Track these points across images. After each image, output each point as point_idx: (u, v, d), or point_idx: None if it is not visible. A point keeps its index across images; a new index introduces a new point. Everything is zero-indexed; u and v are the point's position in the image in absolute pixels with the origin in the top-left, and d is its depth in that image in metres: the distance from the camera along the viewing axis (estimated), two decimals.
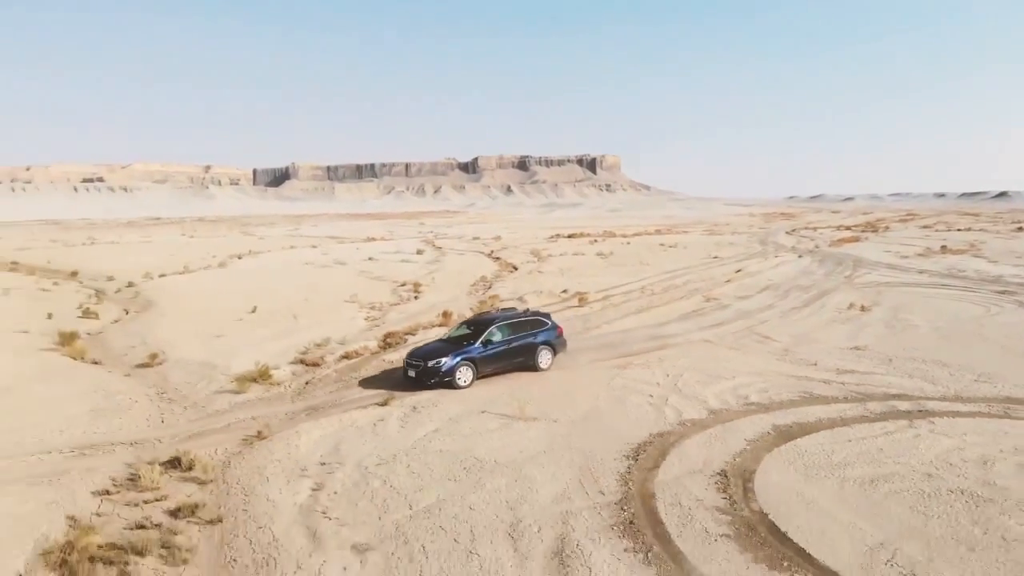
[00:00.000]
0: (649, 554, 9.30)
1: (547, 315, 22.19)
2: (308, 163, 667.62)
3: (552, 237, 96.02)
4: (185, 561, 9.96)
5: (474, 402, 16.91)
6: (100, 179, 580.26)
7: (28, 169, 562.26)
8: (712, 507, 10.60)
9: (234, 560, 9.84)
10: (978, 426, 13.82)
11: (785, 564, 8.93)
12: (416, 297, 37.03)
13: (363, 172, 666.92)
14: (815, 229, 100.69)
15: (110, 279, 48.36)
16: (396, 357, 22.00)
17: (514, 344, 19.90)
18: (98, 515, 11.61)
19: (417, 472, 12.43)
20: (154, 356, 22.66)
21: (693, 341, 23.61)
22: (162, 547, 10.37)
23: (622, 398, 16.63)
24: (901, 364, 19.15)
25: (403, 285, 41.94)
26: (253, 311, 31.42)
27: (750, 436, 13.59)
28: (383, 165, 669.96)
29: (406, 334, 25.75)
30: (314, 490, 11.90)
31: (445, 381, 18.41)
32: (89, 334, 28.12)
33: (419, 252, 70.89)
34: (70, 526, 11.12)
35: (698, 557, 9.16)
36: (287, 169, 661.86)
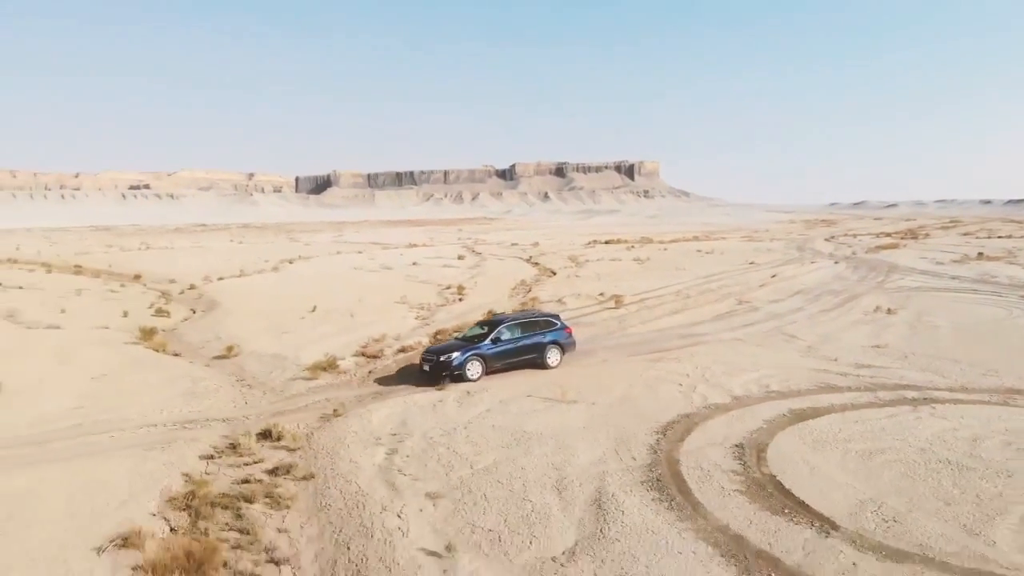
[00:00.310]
0: (672, 503, 11.17)
1: (556, 316, 23.77)
2: (349, 171, 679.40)
3: (589, 243, 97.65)
4: (287, 507, 12.12)
5: (520, 388, 18.90)
6: (147, 186, 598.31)
7: (77, 176, 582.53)
8: (728, 470, 12.41)
9: (328, 505, 11.99)
10: (976, 412, 15.32)
11: (786, 512, 10.71)
12: (461, 299, 39.19)
13: (403, 180, 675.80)
14: (855, 236, 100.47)
15: (172, 282, 51.61)
16: None
17: (523, 342, 21.57)
18: (207, 473, 13.86)
19: (475, 441, 14.47)
20: (230, 349, 25.18)
21: (723, 340, 25.24)
22: (266, 497, 12.57)
23: (654, 386, 18.45)
24: (916, 360, 20.59)
25: (448, 288, 44.18)
26: (313, 310, 33.92)
27: (767, 417, 15.32)
28: (422, 172, 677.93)
29: (454, 331, 27.87)
30: (388, 454, 14.04)
31: (456, 375, 20.11)
32: (164, 330, 30.87)
33: (460, 257, 73.27)
34: (186, 481, 13.39)
35: (713, 505, 11.00)
36: (328, 177, 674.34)
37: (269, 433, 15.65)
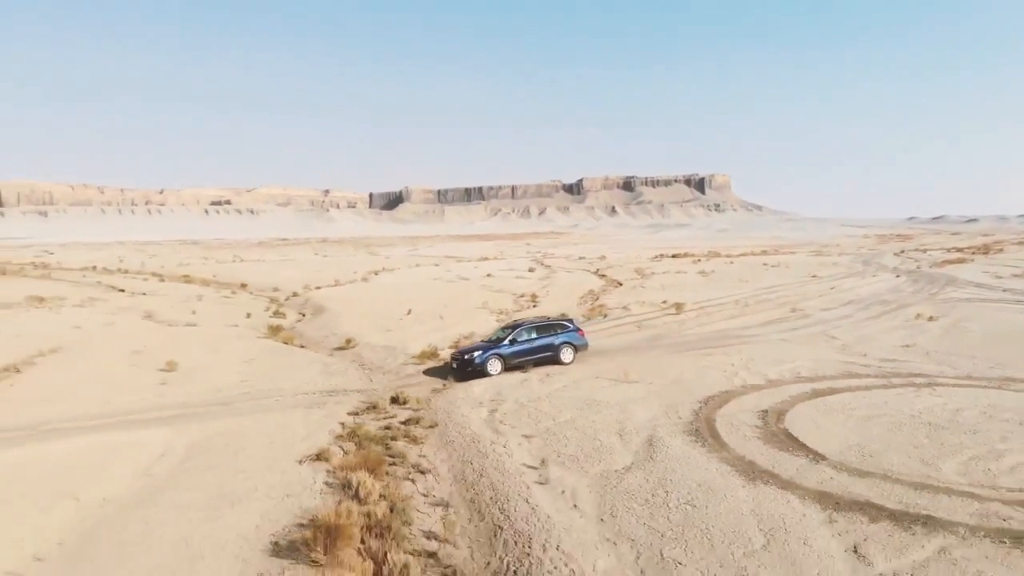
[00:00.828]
0: (704, 443, 15.09)
1: (571, 320, 26.94)
2: (420, 187, 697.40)
3: (656, 257, 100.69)
4: (422, 442, 16.58)
5: (590, 371, 23.02)
6: (228, 202, 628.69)
7: (161, 192, 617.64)
8: (751, 425, 16.22)
9: (452, 441, 16.40)
10: (969, 393, 18.56)
11: (789, 450, 14.47)
12: (534, 305, 43.53)
13: (471, 195, 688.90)
14: (925, 251, 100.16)
15: (275, 290, 57.94)
16: None
17: (537, 343, 24.66)
18: (356, 423, 18.51)
19: (555, 405, 18.70)
20: (348, 341, 30.22)
21: (770, 340, 28.66)
22: (405, 437, 17.07)
23: (703, 372, 22.25)
24: (935, 356, 23.68)
25: (522, 296, 48.62)
26: (408, 313, 38.90)
27: (792, 394, 18.98)
28: (490, 188, 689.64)
29: None
30: (490, 412, 18.41)
31: (479, 370, 23.32)
32: (285, 328, 36.31)
33: (531, 270, 77.81)
34: (343, 426, 18.03)
35: (735, 445, 14.86)
36: (400, 193, 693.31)
37: (397, 399, 20.29)
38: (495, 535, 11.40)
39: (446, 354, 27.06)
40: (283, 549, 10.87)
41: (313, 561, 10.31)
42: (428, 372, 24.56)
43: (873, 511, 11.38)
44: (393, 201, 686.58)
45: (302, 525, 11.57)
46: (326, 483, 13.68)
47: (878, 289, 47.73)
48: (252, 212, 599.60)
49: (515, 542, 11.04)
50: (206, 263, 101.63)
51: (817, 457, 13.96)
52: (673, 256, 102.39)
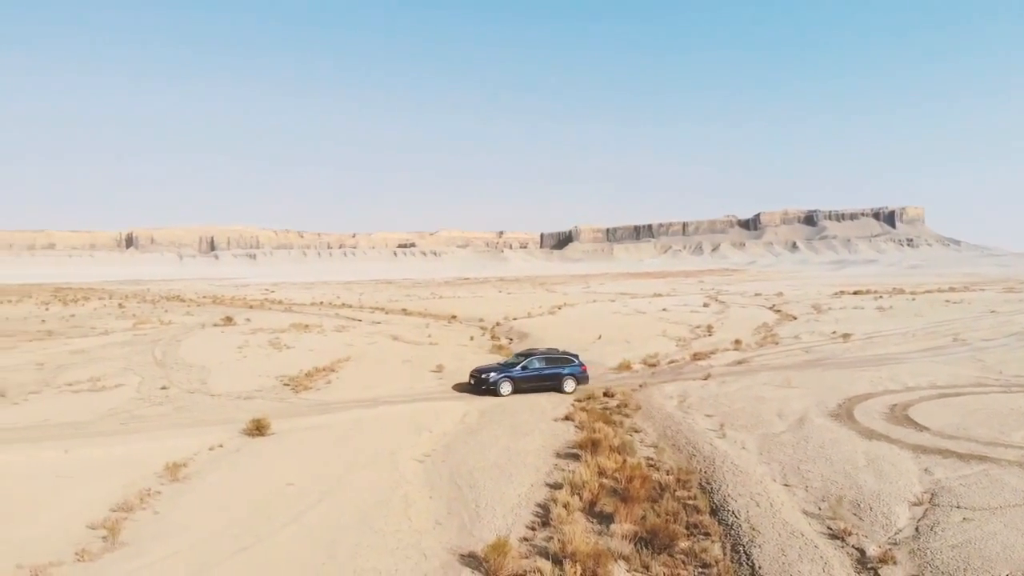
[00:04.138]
0: (841, 421, 21.05)
1: (575, 355, 29.38)
2: (589, 226, 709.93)
3: (836, 294, 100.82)
4: (631, 417, 23.81)
5: (759, 380, 29.10)
6: (412, 244, 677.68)
7: (354, 236, 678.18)
8: (881, 412, 21.84)
9: (653, 416, 23.52)
10: None
11: (904, 425, 20.08)
12: (709, 335, 49.35)
13: (640, 233, 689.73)
14: None
15: (481, 320, 68.03)
16: (705, 364, 34.79)
17: (546, 372, 27.70)
18: (583, 405, 26.07)
19: (730, 399, 25.24)
20: None
21: (923, 361, 32.85)
22: (618, 413, 24.39)
23: (852, 382, 27.62)
24: None
25: (697, 327, 54.46)
26: (599, 338, 46.48)
27: (922, 396, 24.11)
28: (660, 225, 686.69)
29: (709, 353, 38.40)
30: (679, 403, 25.33)
31: (492, 389, 26.74)
32: (504, 346, 45.14)
33: (705, 305, 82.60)
34: (572, 406, 25.64)
35: (864, 422, 20.71)
36: (570, 232, 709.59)
37: (607, 392, 27.72)
38: (691, 458, 18.42)
39: (637, 367, 34.16)
40: (562, 454, 18.61)
41: (582, 458, 17.92)
42: (622, 379, 31.80)
43: (948, 453, 17.06)
44: (563, 240, 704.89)
45: (569, 445, 19.30)
46: (575, 428, 21.42)
47: None
48: (435, 254, 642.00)
49: (704, 460, 17.99)
50: (410, 299, 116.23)
51: (922, 428, 19.53)
52: (854, 293, 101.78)
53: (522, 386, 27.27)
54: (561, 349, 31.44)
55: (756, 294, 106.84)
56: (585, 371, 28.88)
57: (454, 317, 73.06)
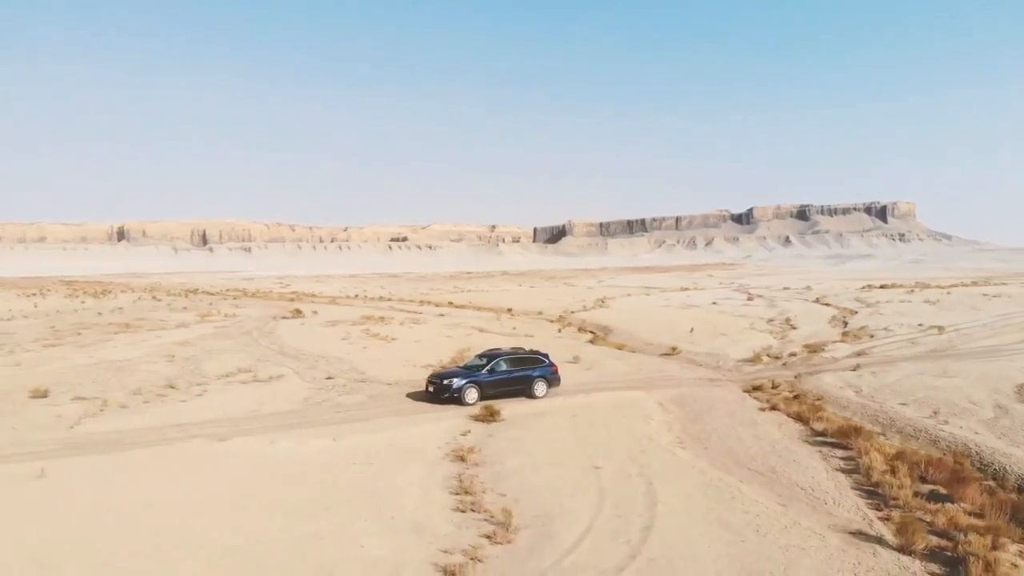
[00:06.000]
0: None
1: (545, 355, 26.54)
2: (582, 220, 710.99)
3: (864, 287, 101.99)
4: (822, 408, 24.49)
5: (912, 370, 29.89)
6: (405, 238, 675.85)
7: (346, 230, 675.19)
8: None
9: (847, 407, 24.19)
10: None
11: None
12: (793, 328, 50.08)
13: (634, 227, 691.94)
14: None
15: (540, 313, 68.20)
16: (828, 356, 35.58)
17: (515, 374, 24.73)
18: (760, 395, 26.73)
19: (905, 388, 25.98)
20: (673, 349, 38.82)
21: None
22: (800, 403, 25.04)
23: (1001, 370, 28.45)
24: None
25: (771, 320, 55.17)
26: (691, 331, 47.06)
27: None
28: (653, 220, 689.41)
29: (821, 345, 39.09)
30: (856, 392, 26.04)
31: (455, 397, 23.19)
32: (601, 339, 45.66)
33: (748, 299, 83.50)
34: (747, 394, 26.32)
35: None
36: (563, 227, 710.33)
37: (773, 384, 28.24)
38: (933, 444, 19.14)
39: (767, 359, 34.87)
40: (813, 443, 19.31)
41: (855, 445, 18.60)
42: (759, 372, 32.44)
43: None
44: (556, 235, 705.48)
45: (815, 433, 20.01)
46: (789, 417, 22.15)
47: None
48: (430, 247, 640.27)
49: (951, 446, 18.73)
50: (434, 292, 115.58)
51: None
52: (881, 287, 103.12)
53: (488, 392, 24.05)
54: (528, 348, 28.48)
55: (785, 288, 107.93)
56: (556, 372, 26.11)
57: (510, 310, 73.23)
